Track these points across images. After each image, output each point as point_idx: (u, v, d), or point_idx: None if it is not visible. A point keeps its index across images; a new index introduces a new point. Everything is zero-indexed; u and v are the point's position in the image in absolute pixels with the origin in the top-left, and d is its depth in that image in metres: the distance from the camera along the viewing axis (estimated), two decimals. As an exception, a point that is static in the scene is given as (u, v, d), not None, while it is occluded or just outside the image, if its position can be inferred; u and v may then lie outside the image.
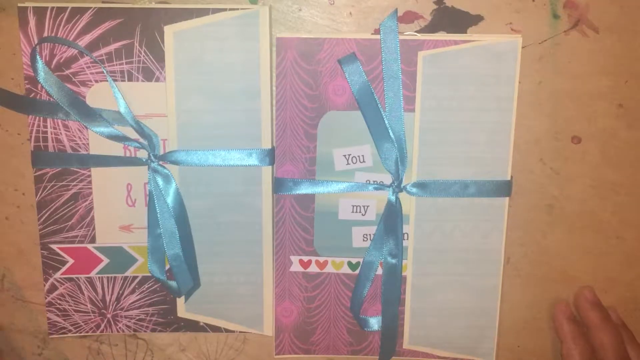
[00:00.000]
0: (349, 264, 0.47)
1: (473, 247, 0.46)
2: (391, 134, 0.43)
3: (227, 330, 0.48)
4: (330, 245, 0.47)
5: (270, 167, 0.45)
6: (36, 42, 0.43)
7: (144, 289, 0.48)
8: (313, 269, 0.47)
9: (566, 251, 0.48)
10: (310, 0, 0.45)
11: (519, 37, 0.43)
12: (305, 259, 0.47)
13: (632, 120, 0.46)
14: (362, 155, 0.45)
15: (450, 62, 0.43)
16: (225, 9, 0.43)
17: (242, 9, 0.43)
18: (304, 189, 0.45)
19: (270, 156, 0.45)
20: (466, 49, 0.43)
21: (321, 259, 0.47)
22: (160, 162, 0.45)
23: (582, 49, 0.45)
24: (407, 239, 0.46)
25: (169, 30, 0.43)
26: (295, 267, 0.47)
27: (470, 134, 0.45)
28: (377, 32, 0.44)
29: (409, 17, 0.45)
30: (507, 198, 0.46)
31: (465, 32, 0.45)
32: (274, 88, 0.45)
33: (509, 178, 0.45)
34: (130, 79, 0.44)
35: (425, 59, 0.43)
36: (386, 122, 0.43)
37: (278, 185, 0.46)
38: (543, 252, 0.48)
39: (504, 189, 0.45)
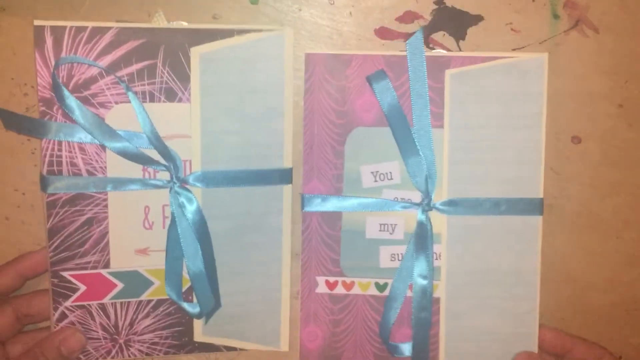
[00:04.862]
0: (376, 285, 0.46)
1: (507, 269, 0.45)
2: (420, 151, 0.43)
3: (242, 350, 0.47)
4: (357, 265, 0.46)
5: (290, 185, 0.45)
6: (53, 62, 0.42)
7: (159, 312, 0.46)
8: (339, 290, 0.46)
9: (566, 251, 0.48)
10: (310, 0, 0.45)
11: (544, 55, 0.44)
12: (332, 279, 0.46)
13: (632, 120, 0.47)
14: (390, 172, 0.45)
15: (477, 80, 0.44)
16: (249, 31, 0.43)
17: (266, 30, 0.43)
18: (332, 206, 0.45)
19: (290, 175, 0.45)
20: (493, 67, 0.44)
21: (347, 280, 0.46)
22: (183, 184, 0.44)
23: (582, 49, 0.46)
24: (438, 259, 0.45)
25: (195, 52, 0.43)
26: (322, 288, 0.46)
27: (499, 152, 0.44)
28: (377, 32, 0.45)
29: (409, 17, 0.45)
30: (541, 217, 0.45)
31: (466, 33, 0.45)
32: (301, 104, 0.45)
33: (541, 196, 0.45)
34: (152, 100, 0.43)
35: (452, 76, 0.44)
36: (415, 139, 0.43)
37: (306, 202, 0.45)
38: (543, 252, 0.47)
39: (536, 207, 0.45)
